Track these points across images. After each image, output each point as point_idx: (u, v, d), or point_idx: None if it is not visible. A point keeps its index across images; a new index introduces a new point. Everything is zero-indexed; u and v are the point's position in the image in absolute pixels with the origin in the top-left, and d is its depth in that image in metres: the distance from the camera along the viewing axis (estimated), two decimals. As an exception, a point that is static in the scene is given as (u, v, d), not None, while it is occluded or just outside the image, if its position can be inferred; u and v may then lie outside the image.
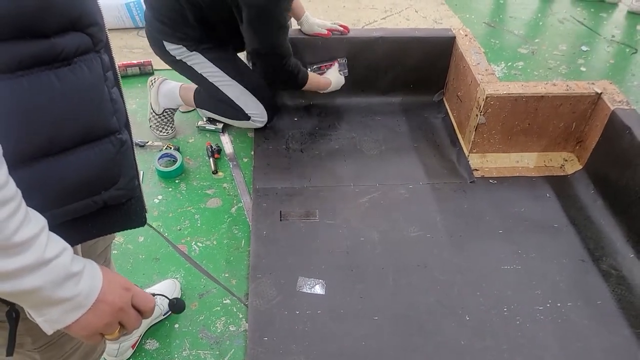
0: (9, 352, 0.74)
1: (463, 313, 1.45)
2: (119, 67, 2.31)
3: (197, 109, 2.08)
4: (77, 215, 0.69)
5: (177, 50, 1.81)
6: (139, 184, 0.80)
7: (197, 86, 2.00)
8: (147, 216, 0.84)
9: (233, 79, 1.86)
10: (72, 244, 0.63)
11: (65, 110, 0.62)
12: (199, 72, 1.85)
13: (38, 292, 0.57)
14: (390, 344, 1.37)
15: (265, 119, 1.96)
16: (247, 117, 1.94)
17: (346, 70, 2.08)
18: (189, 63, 1.84)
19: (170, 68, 1.96)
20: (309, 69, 2.03)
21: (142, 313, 0.72)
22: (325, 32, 2.04)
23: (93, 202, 0.70)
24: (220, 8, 1.70)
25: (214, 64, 1.83)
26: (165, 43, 1.81)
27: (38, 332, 0.71)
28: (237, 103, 1.90)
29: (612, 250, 1.61)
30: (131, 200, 0.78)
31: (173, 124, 2.06)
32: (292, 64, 1.81)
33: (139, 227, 0.83)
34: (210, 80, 1.86)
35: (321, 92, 2.04)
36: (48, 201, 0.63)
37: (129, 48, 2.58)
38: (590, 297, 1.50)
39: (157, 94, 1.99)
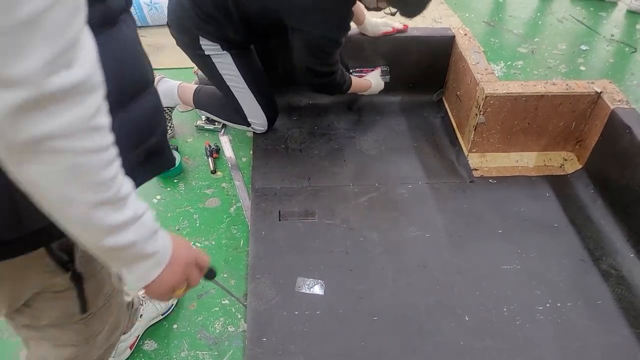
0: (84, 310, 0.85)
1: (462, 313, 1.45)
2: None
3: (196, 109, 2.07)
4: (140, 159, 0.76)
5: (210, 46, 1.78)
6: (167, 132, 0.88)
7: (196, 86, 1.99)
8: (175, 158, 0.95)
9: (247, 85, 1.86)
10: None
11: (129, 62, 0.69)
12: (220, 71, 1.83)
13: (132, 247, 0.61)
14: (389, 344, 1.37)
15: (264, 128, 1.97)
16: (247, 124, 1.95)
17: (388, 77, 2.13)
18: (214, 60, 1.81)
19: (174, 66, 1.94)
20: (352, 72, 2.08)
21: (201, 270, 0.79)
22: (391, 29, 2.06)
23: (147, 147, 0.77)
24: (270, 20, 1.68)
25: (237, 68, 1.82)
26: (201, 38, 1.77)
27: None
28: (243, 109, 1.90)
29: (612, 250, 1.61)
30: (164, 146, 0.84)
31: (172, 123, 2.05)
32: (339, 76, 1.83)
33: (172, 167, 1.00)
34: (226, 83, 1.85)
35: (360, 94, 2.08)
36: (128, 146, 0.67)
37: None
38: (590, 297, 1.49)
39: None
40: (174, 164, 0.92)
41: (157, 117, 0.79)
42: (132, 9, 0.72)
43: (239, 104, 1.89)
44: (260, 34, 1.81)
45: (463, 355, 1.35)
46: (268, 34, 1.84)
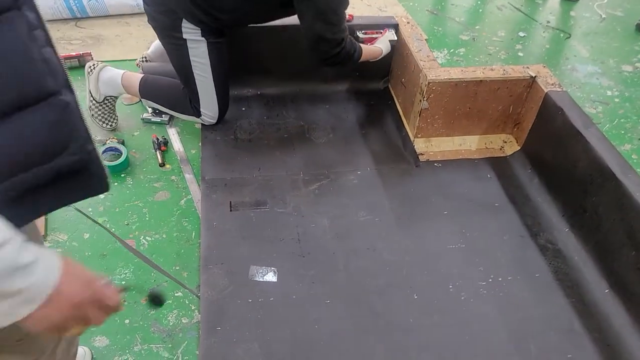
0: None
1: (411, 292, 1.50)
2: (56, 59, 2.24)
3: (141, 99, 2.03)
4: (28, 186, 0.65)
5: (191, 30, 1.74)
6: (95, 148, 0.75)
7: (142, 75, 1.95)
8: (109, 182, 0.80)
9: (212, 75, 1.83)
10: (28, 219, 0.60)
11: (8, 69, 0.60)
12: (190, 57, 1.79)
13: None
14: (342, 326, 1.41)
15: (215, 120, 1.96)
16: (197, 114, 1.92)
17: (395, 39, 2.10)
18: (189, 45, 1.77)
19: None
20: (359, 35, 2.09)
21: (106, 309, 0.70)
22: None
23: (44, 170, 0.66)
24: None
25: (208, 56, 1.79)
26: (184, 20, 1.72)
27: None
28: (199, 98, 1.87)
29: (548, 225, 1.70)
30: (88, 166, 0.74)
31: (115, 115, 2.00)
32: (348, 44, 1.79)
33: (102, 193, 0.80)
34: (192, 69, 1.82)
35: (372, 60, 2.03)
36: (11, 164, 0.60)
37: (67, 40, 2.48)
38: (529, 270, 1.58)
39: (97, 80, 1.92)
40: (104, 189, 0.79)
41: (59, 133, 0.68)
42: (21, 10, 0.61)
43: (197, 92, 1.86)
44: (248, 14, 1.79)
45: (413, 331, 1.41)
46: (257, 13, 1.82)
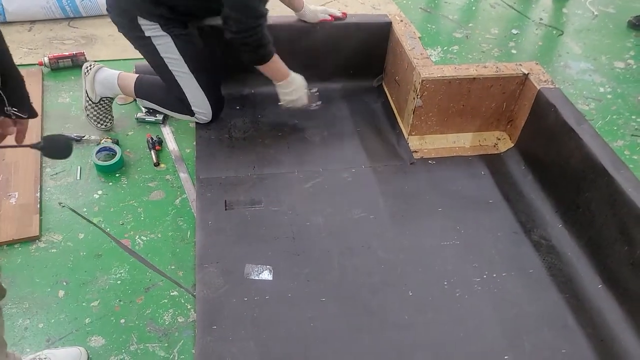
0: None
1: (406, 289, 1.51)
2: (50, 59, 2.23)
3: (137, 99, 2.03)
4: None
5: (149, 26, 1.73)
6: None
7: (137, 75, 1.95)
8: None
9: (191, 72, 1.82)
10: None
11: None
12: (161, 54, 1.78)
13: None
14: (337, 324, 1.41)
15: (209, 118, 1.94)
16: (191, 113, 1.92)
17: (318, 102, 2.00)
18: (155, 42, 1.76)
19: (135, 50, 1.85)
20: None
21: None
22: (329, 17, 2.06)
23: None
24: None
25: (178, 50, 1.78)
26: (139, 18, 1.72)
27: None
28: (187, 97, 1.86)
29: (542, 221, 1.71)
30: None
31: (111, 116, 2.00)
32: (265, 31, 1.72)
33: None
34: (168, 67, 1.81)
35: (276, 83, 1.89)
36: None
37: (60, 39, 2.48)
38: (523, 266, 1.59)
39: (94, 81, 1.92)
40: None
41: None
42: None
43: (182, 91, 1.85)
44: (195, 9, 1.78)
45: (408, 329, 1.42)
46: (205, 9, 1.81)
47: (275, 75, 1.87)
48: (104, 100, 1.95)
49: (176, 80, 1.84)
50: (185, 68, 1.81)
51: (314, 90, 1.99)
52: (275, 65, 1.84)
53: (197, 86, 1.85)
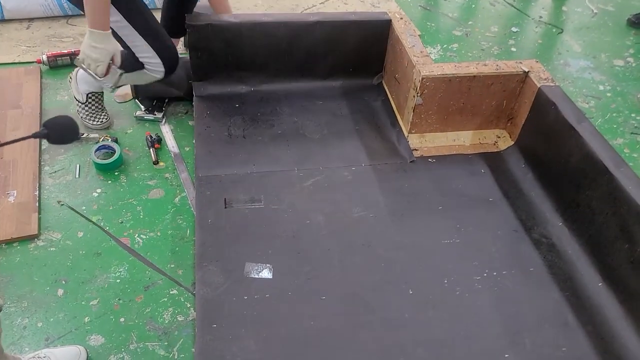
0: None
1: (406, 287, 1.50)
2: (48, 57, 2.22)
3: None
4: None
5: None
6: None
7: None
8: None
9: (124, 18, 1.68)
10: None
11: None
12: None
13: None
14: (338, 322, 1.41)
15: (162, 68, 1.80)
16: (141, 65, 1.79)
17: (111, 85, 1.76)
18: None
19: None
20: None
21: None
22: None
23: None
24: None
25: (119, 12, 1.66)
26: None
27: None
28: (132, 49, 1.75)
29: (542, 220, 1.71)
30: None
31: (105, 111, 1.99)
32: None
33: None
34: (117, 32, 1.69)
35: (88, 29, 1.57)
36: None
37: (59, 37, 2.47)
38: (523, 264, 1.59)
39: (76, 82, 1.91)
40: None
41: None
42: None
43: (127, 45, 1.74)
44: None
45: (408, 327, 1.41)
46: None
47: (94, 18, 1.56)
48: (90, 97, 1.93)
49: (117, 34, 1.70)
50: (118, 16, 1.67)
51: (120, 71, 1.71)
52: (101, 5, 1.56)
53: (135, 33, 1.72)
